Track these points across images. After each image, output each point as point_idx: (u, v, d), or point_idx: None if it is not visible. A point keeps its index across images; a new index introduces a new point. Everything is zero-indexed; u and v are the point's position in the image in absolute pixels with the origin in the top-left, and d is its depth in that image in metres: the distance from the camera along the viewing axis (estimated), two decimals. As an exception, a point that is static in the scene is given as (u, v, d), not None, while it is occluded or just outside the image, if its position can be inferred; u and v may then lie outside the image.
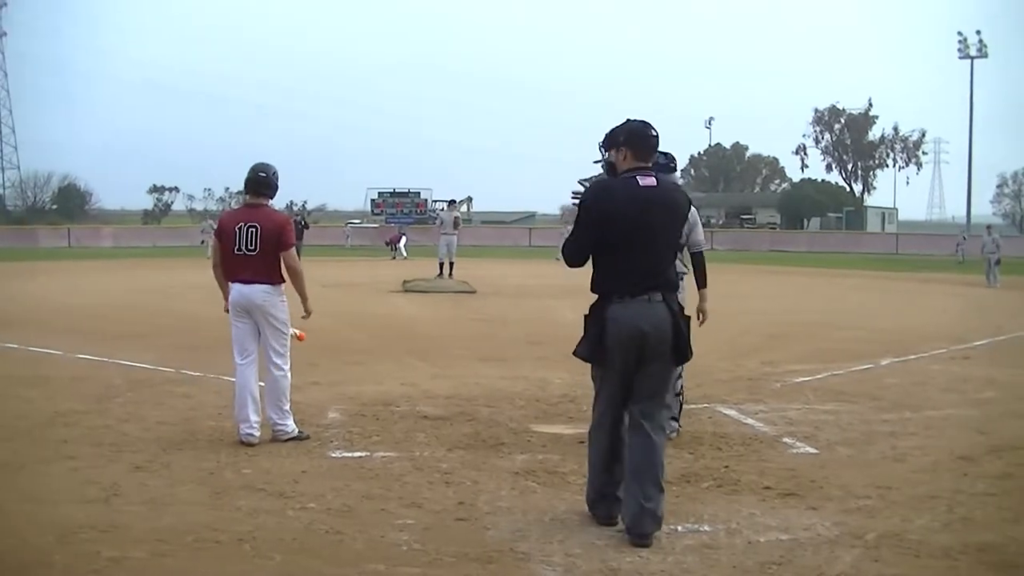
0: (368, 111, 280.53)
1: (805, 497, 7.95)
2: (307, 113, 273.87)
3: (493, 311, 23.75)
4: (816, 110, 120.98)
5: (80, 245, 68.51)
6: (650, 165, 7.20)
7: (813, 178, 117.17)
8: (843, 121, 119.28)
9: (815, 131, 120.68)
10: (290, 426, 9.81)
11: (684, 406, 10.12)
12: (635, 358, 6.98)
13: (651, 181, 7.05)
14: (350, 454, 9.34)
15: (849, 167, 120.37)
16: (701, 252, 9.66)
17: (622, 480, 7.13)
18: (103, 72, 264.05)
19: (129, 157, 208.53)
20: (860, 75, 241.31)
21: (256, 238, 9.67)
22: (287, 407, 9.84)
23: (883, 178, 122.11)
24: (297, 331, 10.31)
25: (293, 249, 9.87)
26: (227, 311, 10.02)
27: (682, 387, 9.48)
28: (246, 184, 9.97)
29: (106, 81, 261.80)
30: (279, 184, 10.06)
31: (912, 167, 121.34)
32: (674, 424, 9.52)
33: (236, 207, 10.14)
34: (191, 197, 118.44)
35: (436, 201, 69.51)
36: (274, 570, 6.34)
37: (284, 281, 9.84)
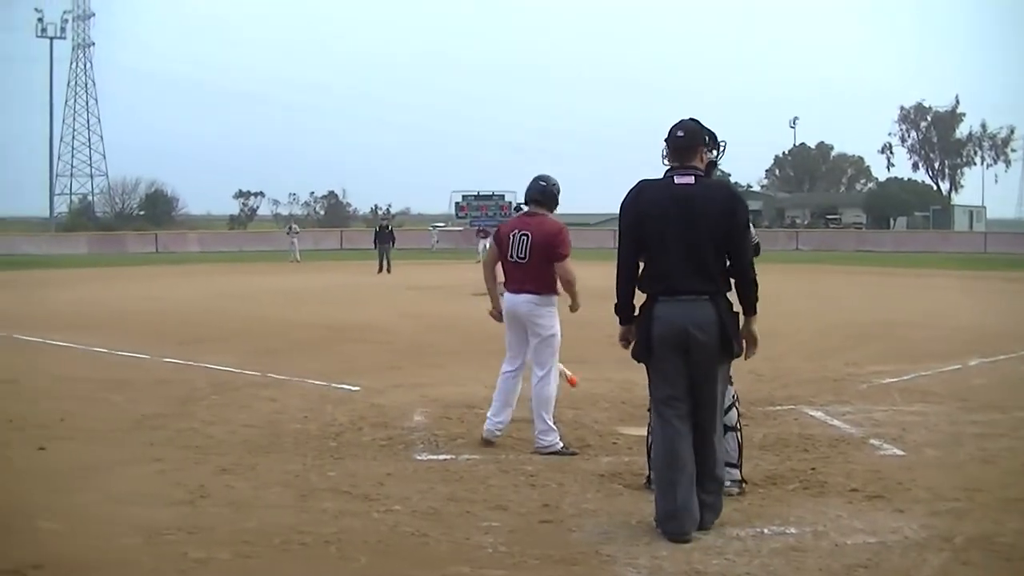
0: (445, 114, 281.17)
1: (892, 499, 7.85)
2: (387, 119, 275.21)
3: (577, 313, 23.70)
4: (902, 108, 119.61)
5: (167, 250, 69.23)
6: (696, 164, 7.26)
7: (899, 177, 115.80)
8: (929, 119, 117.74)
9: (901, 129, 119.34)
10: (550, 439, 9.65)
11: (771, 408, 9.99)
12: (682, 358, 7.04)
13: (687, 179, 7.14)
14: (435, 456, 9.38)
15: (936, 165, 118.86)
16: (756, 243, 9.05)
17: (690, 487, 7.06)
18: (189, 79, 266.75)
19: (215, 163, 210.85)
20: (946, 72, 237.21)
21: (527, 246, 9.76)
22: (549, 420, 9.69)
23: (971, 176, 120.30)
24: (569, 374, 10.53)
25: (568, 260, 9.82)
26: (491, 314, 10.31)
27: (739, 423, 8.35)
28: (526, 193, 10.18)
29: (192, 88, 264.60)
30: (558, 196, 10.19)
31: (1001, 165, 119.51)
32: (734, 472, 8.04)
33: (518, 215, 10.37)
34: (276, 202, 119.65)
35: (521, 204, 69.62)
36: (359, 572, 6.37)
37: (555, 292, 9.88)
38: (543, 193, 10.03)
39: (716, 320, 7.02)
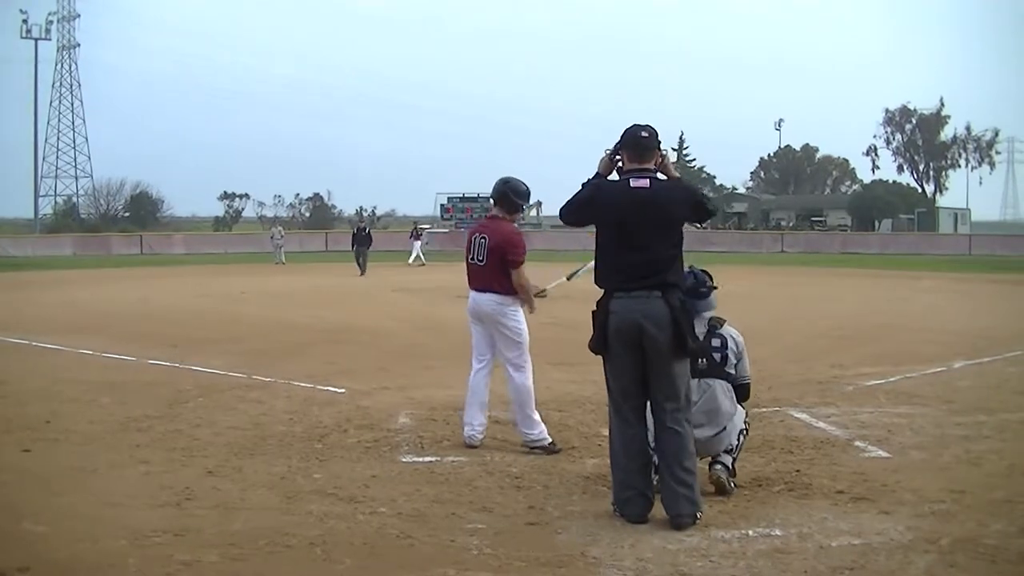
0: (429, 115, 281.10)
1: (878, 501, 7.88)
2: (372, 120, 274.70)
3: (563, 315, 23.69)
4: (887, 111, 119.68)
5: (152, 252, 68.89)
6: (651, 167, 7.57)
7: (884, 179, 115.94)
8: (914, 121, 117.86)
9: (886, 132, 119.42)
10: (536, 433, 9.72)
11: (756, 410, 9.99)
12: (638, 353, 7.38)
13: (643, 183, 7.46)
14: (420, 459, 9.38)
15: (920, 168, 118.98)
16: (747, 384, 8.64)
17: (645, 475, 7.51)
18: (175, 80, 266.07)
19: (200, 164, 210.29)
20: (931, 75, 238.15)
21: (484, 249, 9.84)
22: (533, 415, 9.75)
23: (955, 178, 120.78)
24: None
25: (521, 268, 9.84)
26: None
27: (747, 427, 8.50)
28: (491, 196, 10.20)
29: (178, 89, 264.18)
30: (518, 199, 10.10)
31: (985, 167, 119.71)
32: (727, 458, 8.23)
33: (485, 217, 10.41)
34: (261, 204, 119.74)
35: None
36: (345, 574, 6.39)
37: (516, 291, 9.90)
38: (499, 194, 10.07)
39: (668, 315, 7.31)
